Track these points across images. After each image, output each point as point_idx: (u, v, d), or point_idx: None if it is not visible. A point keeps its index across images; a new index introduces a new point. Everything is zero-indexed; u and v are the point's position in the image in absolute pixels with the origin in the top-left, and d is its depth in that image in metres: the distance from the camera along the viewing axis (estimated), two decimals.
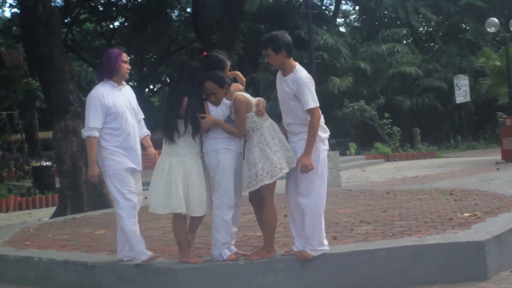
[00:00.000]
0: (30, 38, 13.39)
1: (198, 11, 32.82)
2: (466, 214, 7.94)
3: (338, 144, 28.39)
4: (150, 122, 8.17)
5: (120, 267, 6.59)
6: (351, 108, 30.96)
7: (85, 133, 6.51)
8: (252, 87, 37.21)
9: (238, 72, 6.77)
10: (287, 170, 6.20)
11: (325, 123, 6.34)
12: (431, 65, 35.78)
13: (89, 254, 7.29)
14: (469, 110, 36.12)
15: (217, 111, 6.23)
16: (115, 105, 6.59)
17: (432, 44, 41.44)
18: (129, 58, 6.93)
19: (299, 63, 6.34)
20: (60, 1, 36.17)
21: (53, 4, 30.18)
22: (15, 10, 36.71)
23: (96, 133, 6.49)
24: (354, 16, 51.21)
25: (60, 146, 12.78)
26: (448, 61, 36.55)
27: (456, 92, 32.70)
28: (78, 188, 12.64)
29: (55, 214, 12.79)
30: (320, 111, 6.15)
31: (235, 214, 6.39)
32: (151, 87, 53.56)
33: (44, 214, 14.81)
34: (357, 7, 46.75)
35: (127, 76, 6.78)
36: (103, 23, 41.86)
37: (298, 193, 6.23)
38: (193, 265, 6.22)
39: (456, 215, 8.00)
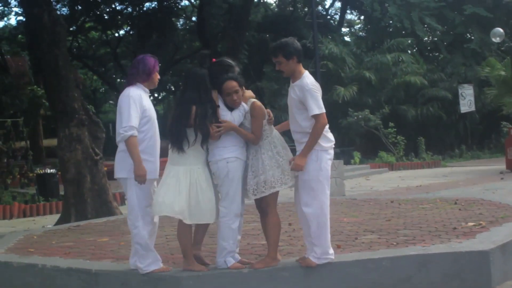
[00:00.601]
0: (36, 46, 13.48)
1: (203, 20, 32.88)
2: (471, 224, 7.94)
3: (342, 153, 28.33)
4: None
5: (124, 275, 6.58)
6: (355, 117, 30.93)
7: (126, 132, 6.26)
8: (257, 96, 37.14)
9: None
10: (293, 181, 6.25)
11: (330, 132, 6.35)
12: (436, 75, 35.72)
13: (93, 261, 7.29)
14: (474, 120, 36.06)
15: (233, 116, 6.25)
16: (150, 109, 6.53)
17: (437, 53, 41.40)
18: None
19: None
20: (66, 10, 36.22)
21: (58, 12, 30.24)
22: (20, 18, 36.76)
23: (136, 133, 6.31)
24: (359, 25, 51.21)
25: (65, 153, 12.80)
26: (453, 71, 36.49)
27: (461, 102, 32.64)
28: (82, 196, 12.65)
29: (59, 221, 12.79)
30: (326, 119, 6.17)
31: (239, 222, 6.40)
32: (156, 95, 53.57)
33: (48, 221, 14.81)
34: (362, 17, 46.72)
35: (156, 85, 6.75)
36: (109, 32, 41.88)
37: (301, 203, 6.24)
38: (197, 273, 6.23)
39: (460, 224, 7.99)
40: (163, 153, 6.44)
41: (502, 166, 22.93)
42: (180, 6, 40.39)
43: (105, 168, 13.48)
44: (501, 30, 26.78)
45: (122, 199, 16.71)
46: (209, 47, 30.65)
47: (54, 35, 12.90)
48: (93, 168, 12.91)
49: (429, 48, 41.66)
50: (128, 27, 41.92)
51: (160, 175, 6.49)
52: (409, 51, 38.01)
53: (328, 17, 47.17)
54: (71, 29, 34.80)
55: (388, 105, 33.00)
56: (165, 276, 6.31)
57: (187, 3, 41.35)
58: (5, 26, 44.60)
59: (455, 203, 10.24)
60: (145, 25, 36.79)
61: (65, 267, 7.10)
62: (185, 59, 42.95)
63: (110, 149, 18.76)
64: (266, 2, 45.06)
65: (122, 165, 6.44)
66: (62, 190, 14.34)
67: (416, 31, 36.15)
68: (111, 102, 59.56)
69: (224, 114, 6.27)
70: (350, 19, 51.50)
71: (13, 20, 66.31)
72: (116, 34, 43.31)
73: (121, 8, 38.10)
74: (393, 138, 30.25)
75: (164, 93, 54.43)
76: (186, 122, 6.18)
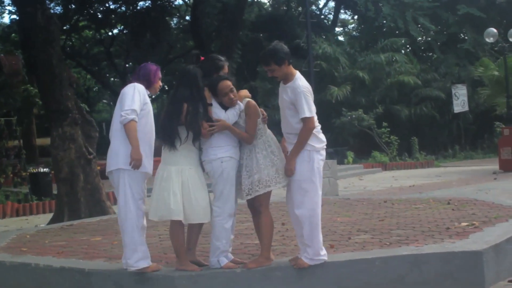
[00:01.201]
0: (29, 44, 13.45)
1: (197, 19, 32.86)
2: (464, 224, 7.94)
3: (336, 152, 28.36)
4: None
5: (117, 274, 6.57)
6: (349, 117, 30.97)
7: (127, 116, 6.22)
8: (251, 96, 37.13)
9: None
10: (288, 180, 6.25)
11: (323, 132, 6.34)
12: (430, 75, 35.76)
13: (86, 260, 7.28)
14: (467, 120, 36.11)
15: (227, 115, 6.24)
16: (150, 104, 6.58)
17: (431, 53, 41.45)
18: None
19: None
20: (59, 8, 36.13)
21: (52, 11, 30.19)
22: (14, 16, 36.72)
23: (137, 118, 6.30)
24: (352, 25, 51.29)
25: (58, 152, 12.78)
26: (447, 70, 36.53)
27: (454, 102, 32.68)
28: (75, 195, 12.64)
29: (52, 221, 12.78)
30: (316, 122, 6.17)
31: (232, 222, 6.40)
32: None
33: (41, 220, 14.79)
34: (356, 17, 46.80)
35: (158, 92, 6.85)
36: (102, 31, 41.84)
37: (294, 204, 6.23)
38: (190, 272, 6.22)
39: (453, 224, 8.00)
40: (157, 153, 6.43)
41: (495, 166, 22.96)
42: (173, 5, 40.39)
43: (98, 167, 13.48)
44: (494, 30, 26.79)
45: (115, 199, 16.65)
46: (203, 46, 30.64)
47: (47, 34, 12.88)
48: (86, 167, 12.90)
49: (422, 48, 41.71)
50: (122, 26, 41.88)
51: (154, 174, 6.48)
52: (403, 51, 38.06)
53: (322, 16, 47.24)
54: (64, 28, 34.72)
55: (382, 105, 33.03)
56: (158, 276, 6.30)
57: (181, 2, 41.38)
58: None
59: (448, 203, 10.25)
60: (139, 24, 36.76)
61: (58, 266, 7.09)
62: (179, 58, 42.95)
63: (103, 148, 18.79)
64: (260, 1, 45.09)
65: (116, 157, 6.41)
66: (55, 189, 14.32)
67: (410, 31, 36.19)
68: (104, 101, 59.54)
69: (218, 113, 6.27)
70: (343, 19, 51.61)
71: (6, 19, 66.21)
72: (110, 33, 43.27)
73: (114, 7, 38.05)
74: (387, 138, 30.30)
75: (158, 92, 54.38)
76: (177, 119, 6.18)
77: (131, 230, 6.35)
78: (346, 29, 52.58)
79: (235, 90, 6.28)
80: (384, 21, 38.04)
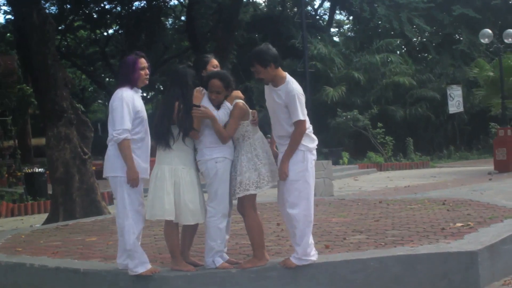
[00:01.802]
0: (24, 44, 13.38)
1: (192, 19, 32.84)
2: (459, 224, 7.95)
3: (331, 153, 28.41)
4: None
5: (112, 274, 6.57)
6: (344, 118, 31.00)
7: (119, 136, 6.19)
8: (246, 96, 37.14)
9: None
10: (272, 183, 6.24)
11: (318, 133, 6.38)
12: (425, 75, 35.83)
13: (81, 261, 7.27)
14: (462, 121, 36.16)
15: (218, 115, 6.23)
16: (142, 110, 6.46)
17: (426, 54, 41.49)
18: None
19: (293, 72, 6.38)
20: (55, 8, 36.12)
21: (47, 11, 30.19)
22: (9, 16, 36.59)
23: (130, 136, 6.25)
24: (348, 26, 51.23)
25: (53, 152, 12.76)
26: (442, 71, 36.61)
27: (449, 103, 32.71)
28: (71, 195, 12.62)
29: (47, 221, 12.76)
30: (308, 124, 6.19)
31: (227, 222, 6.40)
32: (145, 94, 53.47)
33: (36, 220, 14.78)
34: (351, 17, 46.77)
35: (146, 82, 6.55)
36: (97, 31, 41.78)
37: (287, 205, 6.23)
38: (185, 273, 6.22)
39: (448, 225, 8.01)
40: (152, 153, 6.43)
41: (490, 166, 23.01)
42: (169, 6, 40.39)
43: (94, 168, 13.46)
44: (489, 31, 26.82)
45: (111, 199, 16.67)
46: (198, 46, 30.64)
47: (43, 34, 12.85)
48: (81, 167, 12.88)
49: (417, 48, 41.78)
50: (117, 26, 41.85)
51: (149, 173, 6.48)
52: (398, 52, 38.11)
53: (317, 17, 47.29)
54: (60, 28, 34.65)
55: (377, 106, 33.10)
56: (153, 276, 6.30)
57: (176, 2, 41.45)
58: None
59: (443, 204, 10.26)
60: (134, 24, 36.75)
61: (53, 266, 7.08)
62: (174, 58, 42.91)
63: (98, 148, 18.80)
64: (255, 2, 45.02)
65: (113, 164, 6.37)
66: (50, 189, 14.30)
67: (405, 32, 36.25)
68: (99, 101, 59.40)
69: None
70: (339, 20, 51.59)
71: (1, 19, 66.16)
72: (105, 33, 43.22)
73: (110, 7, 38.04)
74: (382, 139, 30.33)
75: (152, 93, 54.37)
76: (170, 118, 6.19)
77: (128, 235, 6.34)
78: (341, 30, 52.54)
79: (222, 94, 6.26)
80: (379, 22, 38.06)
